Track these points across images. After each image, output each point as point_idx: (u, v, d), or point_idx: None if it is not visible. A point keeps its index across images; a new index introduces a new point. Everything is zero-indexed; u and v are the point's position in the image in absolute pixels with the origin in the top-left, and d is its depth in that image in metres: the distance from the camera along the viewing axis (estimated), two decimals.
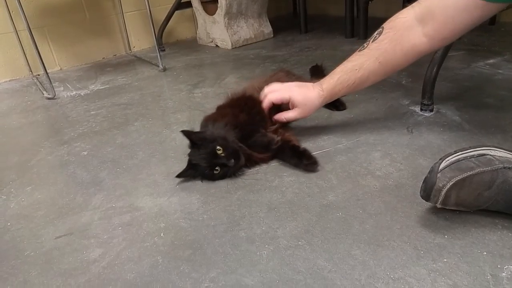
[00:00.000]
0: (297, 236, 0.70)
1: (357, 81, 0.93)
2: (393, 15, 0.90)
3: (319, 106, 0.98)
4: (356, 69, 0.92)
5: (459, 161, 0.66)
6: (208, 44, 2.27)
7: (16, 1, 1.44)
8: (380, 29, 0.90)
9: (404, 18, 0.87)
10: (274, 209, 0.78)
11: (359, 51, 0.94)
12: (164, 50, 2.20)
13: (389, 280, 0.59)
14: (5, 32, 1.84)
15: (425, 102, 1.11)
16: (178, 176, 0.89)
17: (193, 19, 2.43)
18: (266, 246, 0.68)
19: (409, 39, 0.86)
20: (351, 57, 0.95)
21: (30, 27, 1.49)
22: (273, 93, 0.98)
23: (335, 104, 1.17)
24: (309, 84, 0.99)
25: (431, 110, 1.12)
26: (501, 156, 0.66)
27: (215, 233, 0.73)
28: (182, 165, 0.97)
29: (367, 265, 0.62)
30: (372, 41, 0.91)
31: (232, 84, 1.56)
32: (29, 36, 1.49)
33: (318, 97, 0.96)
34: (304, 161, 0.89)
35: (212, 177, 0.88)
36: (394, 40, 0.87)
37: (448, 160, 0.67)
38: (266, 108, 0.99)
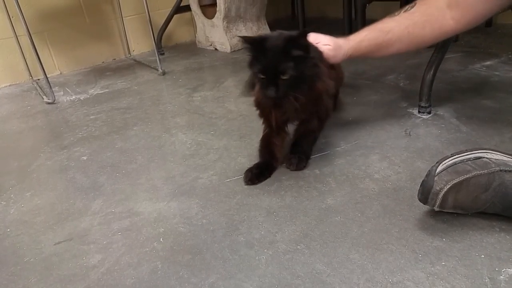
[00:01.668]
0: (296, 240, 0.70)
1: (384, 43, 0.95)
2: None
3: (346, 52, 0.96)
4: (386, 31, 0.94)
5: (456, 164, 0.67)
6: (207, 48, 2.27)
7: (16, 6, 1.45)
8: (413, 3, 0.94)
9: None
10: (273, 213, 0.78)
11: (390, 17, 0.96)
12: (163, 53, 2.20)
13: (388, 284, 0.59)
14: (5, 38, 1.85)
15: (423, 104, 1.12)
16: None
17: (192, 22, 2.43)
18: (265, 250, 0.69)
19: (438, 18, 0.90)
20: (379, 21, 0.96)
21: (30, 32, 1.50)
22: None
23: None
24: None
25: (429, 113, 1.12)
26: (497, 159, 0.67)
27: (214, 238, 0.73)
28: (181, 169, 0.98)
29: (366, 269, 0.63)
30: (404, 11, 0.94)
31: (231, 88, 1.56)
32: (29, 40, 1.50)
33: (343, 43, 0.95)
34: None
35: None
36: (425, 15, 0.91)
37: (445, 163, 0.68)
38: None
